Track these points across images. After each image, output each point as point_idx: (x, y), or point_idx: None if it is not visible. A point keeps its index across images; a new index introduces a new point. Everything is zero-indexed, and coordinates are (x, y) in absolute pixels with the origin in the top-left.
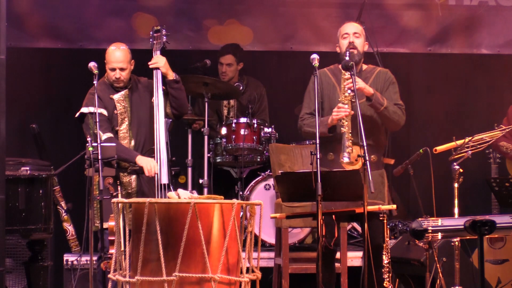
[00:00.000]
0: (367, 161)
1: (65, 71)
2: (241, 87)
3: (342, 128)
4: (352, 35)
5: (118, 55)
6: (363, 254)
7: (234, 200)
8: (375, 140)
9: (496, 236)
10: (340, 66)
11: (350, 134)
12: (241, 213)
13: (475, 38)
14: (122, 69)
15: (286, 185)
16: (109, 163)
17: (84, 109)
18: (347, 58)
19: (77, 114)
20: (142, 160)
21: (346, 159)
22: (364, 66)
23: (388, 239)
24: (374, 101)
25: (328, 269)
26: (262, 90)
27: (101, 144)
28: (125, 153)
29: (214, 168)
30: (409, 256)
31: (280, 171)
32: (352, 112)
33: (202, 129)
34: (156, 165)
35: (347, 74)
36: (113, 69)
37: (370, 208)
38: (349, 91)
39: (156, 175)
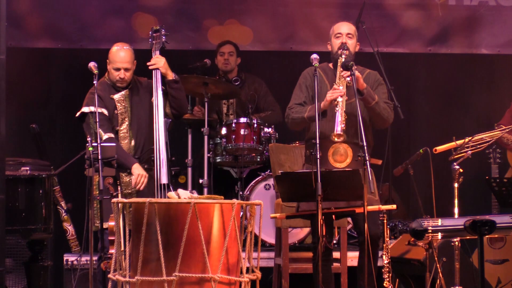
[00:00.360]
0: (367, 161)
1: (65, 71)
2: (239, 82)
3: (336, 108)
4: (345, 35)
5: (123, 55)
6: (359, 254)
7: (234, 200)
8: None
9: (496, 236)
10: (330, 65)
11: (343, 111)
12: (241, 213)
13: (475, 38)
14: (126, 69)
15: (286, 185)
16: (109, 163)
17: (85, 109)
18: (342, 58)
19: (78, 113)
20: (136, 171)
21: (339, 131)
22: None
23: (388, 239)
24: (366, 95)
25: (325, 268)
26: (261, 83)
27: (101, 144)
28: (123, 158)
29: (214, 168)
30: (409, 256)
31: (280, 171)
32: (346, 97)
33: (202, 129)
34: (145, 181)
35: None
36: (118, 69)
37: (370, 208)
38: (340, 87)
39: (156, 175)
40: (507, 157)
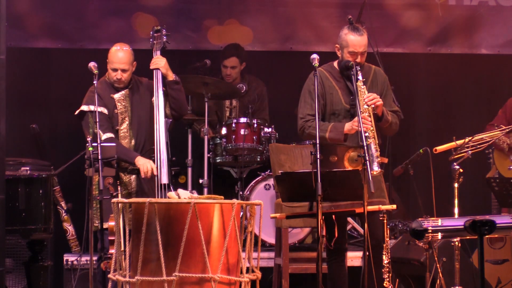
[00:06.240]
0: (367, 161)
1: (65, 71)
2: (244, 88)
3: (369, 139)
4: (360, 55)
5: (121, 56)
6: (363, 254)
7: (234, 200)
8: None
9: (496, 236)
10: (335, 64)
11: (377, 145)
12: (241, 213)
13: (475, 38)
14: (123, 70)
15: (286, 185)
16: (109, 163)
17: (84, 107)
18: (359, 76)
19: (77, 111)
20: (140, 161)
21: (377, 169)
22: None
23: (388, 239)
24: (383, 120)
25: (340, 269)
26: (263, 88)
27: (101, 144)
28: (124, 154)
29: (214, 168)
30: (409, 256)
31: (280, 171)
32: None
33: (202, 129)
34: (154, 167)
35: (363, 87)
36: (115, 70)
37: (370, 208)
38: (365, 106)
39: (156, 175)
40: (494, 157)
